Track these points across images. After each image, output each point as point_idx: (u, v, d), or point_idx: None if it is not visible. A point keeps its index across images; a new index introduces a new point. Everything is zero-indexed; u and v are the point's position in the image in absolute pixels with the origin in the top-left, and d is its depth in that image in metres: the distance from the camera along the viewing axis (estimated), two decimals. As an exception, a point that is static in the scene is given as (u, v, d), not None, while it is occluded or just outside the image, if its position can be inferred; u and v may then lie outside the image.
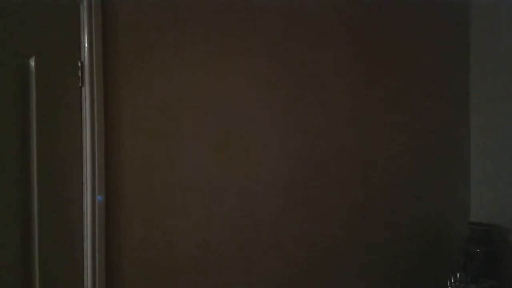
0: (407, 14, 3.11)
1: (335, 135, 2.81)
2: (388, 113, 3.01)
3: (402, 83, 3.08)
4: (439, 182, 3.25)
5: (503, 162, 3.19)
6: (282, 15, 2.64)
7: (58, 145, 2.08)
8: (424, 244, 3.17)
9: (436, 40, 3.23)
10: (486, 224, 3.09)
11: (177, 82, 2.34)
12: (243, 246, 2.53)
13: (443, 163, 3.26)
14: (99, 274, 2.12)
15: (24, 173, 2.01)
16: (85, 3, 2.10)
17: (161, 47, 2.30)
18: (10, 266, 1.99)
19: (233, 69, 2.50)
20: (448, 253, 3.20)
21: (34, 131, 2.02)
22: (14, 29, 1.98)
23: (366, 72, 2.93)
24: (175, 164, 2.34)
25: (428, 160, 3.20)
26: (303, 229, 2.70)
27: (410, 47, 3.12)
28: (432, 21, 3.22)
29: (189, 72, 2.37)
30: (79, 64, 2.11)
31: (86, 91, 2.11)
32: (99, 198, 2.12)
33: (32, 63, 2.02)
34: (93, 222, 2.11)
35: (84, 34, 2.11)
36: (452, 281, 2.84)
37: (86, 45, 2.10)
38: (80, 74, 2.11)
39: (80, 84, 2.11)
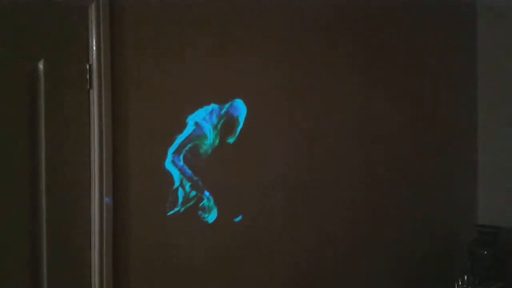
0: (417, 16, 3.12)
1: (340, 136, 2.81)
2: (394, 115, 3.01)
3: (409, 84, 3.09)
4: (446, 184, 3.24)
5: (510, 164, 3.18)
6: (286, 14, 2.65)
7: (66, 147, 2.09)
8: (432, 246, 3.17)
9: (443, 42, 3.23)
10: (493, 226, 3.08)
11: (185, 84, 2.36)
12: (247, 246, 2.54)
13: (450, 165, 3.26)
14: (106, 275, 2.13)
15: (32, 174, 2.02)
16: (93, 7, 2.11)
17: (169, 49, 2.31)
18: (19, 267, 2.00)
19: (241, 69, 2.51)
20: (455, 256, 3.19)
21: (42, 133, 2.03)
22: (23, 33, 1.99)
23: (371, 73, 2.93)
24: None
25: (435, 163, 3.19)
26: (306, 229, 2.71)
27: (418, 49, 3.12)
28: (440, 23, 3.22)
29: (197, 74, 2.38)
30: (87, 67, 2.12)
31: (94, 93, 2.12)
32: (106, 200, 2.13)
33: (41, 66, 2.04)
34: (101, 223, 2.12)
35: (92, 37, 2.12)
36: (460, 283, 2.84)
37: (94, 48, 2.12)
38: (88, 77, 2.12)
39: (88, 87, 2.13)
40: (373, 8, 2.93)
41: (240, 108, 2.50)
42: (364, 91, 2.91)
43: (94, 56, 2.13)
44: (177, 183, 2.33)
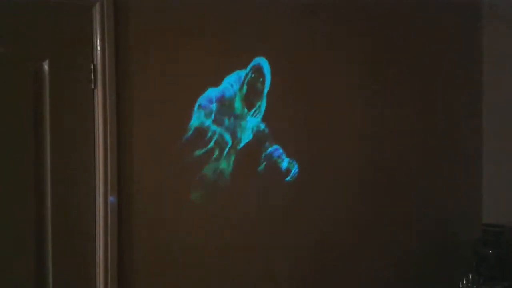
0: (422, 17, 3.12)
1: (343, 135, 2.81)
2: (398, 114, 3.01)
3: (415, 84, 3.08)
4: (451, 183, 3.24)
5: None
6: (289, 13, 2.65)
7: (71, 147, 2.10)
8: (436, 245, 3.16)
9: (448, 42, 3.23)
10: (498, 225, 3.07)
11: (191, 83, 2.36)
12: (250, 244, 2.55)
13: (454, 164, 3.26)
14: (111, 274, 2.14)
15: (37, 174, 2.04)
16: (97, 7, 2.12)
17: (173, 49, 2.32)
18: (24, 267, 2.02)
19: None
20: (460, 255, 3.19)
21: (47, 133, 2.05)
22: (28, 33, 2.01)
23: (376, 73, 2.93)
24: (186, 164, 2.36)
25: (440, 162, 3.19)
26: (307, 229, 2.71)
27: (422, 49, 3.12)
28: (444, 23, 3.22)
29: (201, 73, 2.39)
30: (92, 67, 2.13)
31: (98, 93, 2.13)
32: (111, 199, 2.14)
33: (46, 66, 2.05)
34: (105, 222, 2.13)
35: (96, 37, 2.13)
36: (464, 282, 2.84)
37: (99, 48, 2.13)
38: (92, 77, 2.13)
39: (92, 87, 2.14)
40: (379, 9, 2.92)
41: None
42: (367, 91, 2.90)
43: (99, 56, 2.14)
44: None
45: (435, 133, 3.17)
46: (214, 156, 2.43)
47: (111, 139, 2.14)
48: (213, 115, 2.42)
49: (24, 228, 2.02)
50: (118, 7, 2.17)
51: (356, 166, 2.86)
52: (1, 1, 1.94)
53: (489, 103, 3.33)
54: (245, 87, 2.50)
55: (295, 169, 2.65)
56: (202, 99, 2.39)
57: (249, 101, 2.53)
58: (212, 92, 2.41)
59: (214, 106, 2.42)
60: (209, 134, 2.41)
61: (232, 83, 2.46)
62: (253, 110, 2.53)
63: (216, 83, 2.43)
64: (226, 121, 2.46)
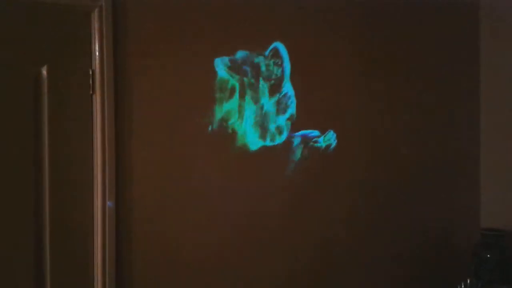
0: (419, 17, 3.12)
1: (341, 137, 2.82)
2: (396, 116, 3.01)
3: (411, 87, 3.09)
4: (449, 187, 3.24)
5: (514, 167, 3.18)
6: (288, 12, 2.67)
7: (69, 152, 2.11)
8: (435, 249, 3.16)
9: (446, 42, 3.23)
10: (497, 229, 3.07)
11: (188, 90, 2.37)
12: (248, 246, 2.56)
13: (453, 168, 3.26)
14: (109, 278, 2.15)
15: (36, 179, 2.05)
16: (96, 12, 2.13)
17: (172, 54, 2.33)
18: (22, 270, 2.03)
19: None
20: (459, 259, 3.18)
21: (46, 138, 2.06)
22: (27, 38, 2.02)
23: (372, 74, 2.93)
24: (184, 169, 2.37)
25: (438, 166, 3.19)
26: (305, 231, 2.72)
27: (419, 50, 3.12)
28: (442, 23, 3.22)
29: (199, 79, 2.40)
30: (90, 72, 2.15)
31: (97, 98, 2.15)
32: (109, 203, 2.15)
33: (44, 71, 2.06)
34: (103, 227, 2.14)
35: (95, 43, 2.14)
36: (463, 286, 2.83)
37: (97, 53, 2.14)
38: (91, 82, 2.14)
39: (91, 92, 2.15)
40: (375, 9, 2.93)
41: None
42: (367, 92, 2.91)
43: (97, 61, 2.15)
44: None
45: (433, 137, 3.18)
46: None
47: (109, 144, 2.15)
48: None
49: (22, 232, 2.03)
50: (117, 13, 2.19)
51: (353, 170, 2.86)
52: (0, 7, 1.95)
53: (487, 107, 3.33)
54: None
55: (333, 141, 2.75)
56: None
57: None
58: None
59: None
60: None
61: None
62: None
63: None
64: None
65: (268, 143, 2.59)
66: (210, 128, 2.43)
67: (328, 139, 2.76)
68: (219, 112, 2.45)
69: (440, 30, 3.21)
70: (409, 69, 3.07)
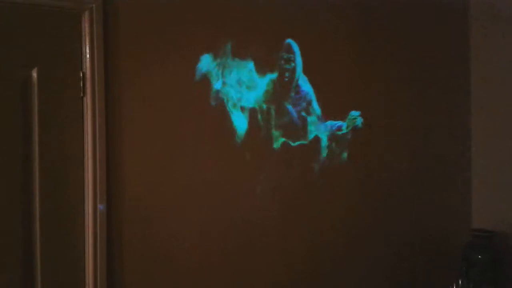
0: (408, 17, 3.13)
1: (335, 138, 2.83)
2: (388, 118, 3.02)
3: (403, 87, 3.09)
4: (440, 188, 3.25)
5: (505, 168, 3.19)
6: (284, 13, 2.67)
7: (60, 154, 2.10)
8: (426, 251, 3.17)
9: (436, 43, 3.24)
10: (488, 230, 3.09)
11: (179, 91, 2.37)
12: (242, 248, 2.55)
13: (444, 169, 3.27)
14: (100, 283, 2.13)
15: (26, 182, 2.03)
16: (86, 14, 2.12)
17: (162, 56, 2.32)
18: (12, 273, 2.01)
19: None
20: (450, 260, 3.20)
21: (36, 140, 2.05)
22: (17, 41, 2.01)
23: (364, 72, 2.94)
24: (176, 171, 2.36)
25: (429, 167, 3.20)
26: (301, 232, 2.72)
27: (411, 48, 3.13)
28: (433, 23, 3.23)
29: (190, 80, 2.39)
30: (81, 75, 2.13)
31: (87, 101, 2.14)
32: (100, 207, 2.14)
33: (35, 74, 2.05)
34: (95, 230, 2.13)
35: (85, 45, 2.13)
36: (454, 287, 2.85)
37: (88, 56, 2.13)
38: (81, 85, 2.13)
39: (81, 94, 2.14)
40: (367, 10, 2.94)
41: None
42: (361, 93, 2.92)
43: (88, 63, 2.14)
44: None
45: (423, 138, 3.19)
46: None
47: (100, 146, 2.14)
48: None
49: (12, 237, 2.01)
50: (107, 15, 2.18)
51: (345, 171, 2.87)
52: (-11, 9, 1.94)
53: (478, 108, 3.35)
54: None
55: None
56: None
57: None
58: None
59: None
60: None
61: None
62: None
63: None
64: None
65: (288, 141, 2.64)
66: (203, 128, 2.42)
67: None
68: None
69: (429, 30, 3.22)
70: (399, 71, 3.08)
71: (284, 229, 2.68)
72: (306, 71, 2.71)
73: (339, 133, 2.82)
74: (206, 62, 2.43)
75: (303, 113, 2.70)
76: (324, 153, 2.77)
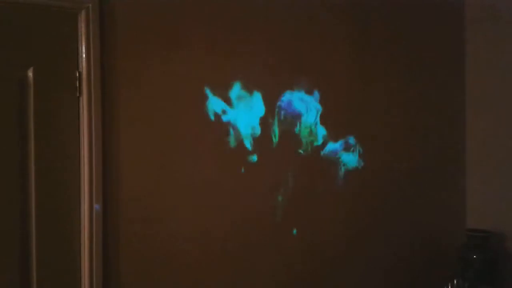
0: (404, 16, 3.13)
1: (330, 138, 2.83)
2: (383, 119, 3.02)
3: (399, 88, 3.10)
4: (435, 189, 3.26)
5: (499, 168, 3.20)
6: (282, 14, 2.67)
7: (56, 154, 2.09)
8: (421, 251, 3.18)
9: (431, 45, 3.24)
10: (483, 230, 3.09)
11: (175, 91, 2.36)
12: (240, 248, 2.55)
13: (439, 170, 3.28)
14: (96, 283, 2.13)
15: (22, 182, 2.03)
16: (82, 14, 2.12)
17: (159, 56, 2.32)
18: (8, 274, 2.01)
19: (235, 73, 2.53)
20: (445, 260, 3.21)
21: (32, 141, 2.04)
22: (12, 40, 2.00)
23: (360, 76, 2.94)
24: (173, 170, 2.36)
25: (424, 167, 3.21)
26: (299, 232, 2.72)
27: (406, 50, 3.13)
28: (428, 24, 3.24)
29: (188, 80, 2.39)
30: (77, 74, 2.13)
31: (84, 100, 2.13)
32: (96, 206, 2.14)
33: (31, 74, 2.04)
34: (90, 230, 2.12)
35: (82, 45, 2.13)
36: (450, 287, 2.86)
37: (84, 55, 2.13)
38: (78, 84, 2.13)
39: (78, 94, 2.13)
40: (362, 9, 2.95)
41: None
42: (358, 95, 2.92)
43: (84, 63, 2.13)
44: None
45: (419, 138, 3.19)
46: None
47: (96, 147, 2.14)
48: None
49: (8, 237, 2.01)
50: (104, 14, 2.17)
51: (341, 171, 2.87)
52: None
53: (472, 107, 3.36)
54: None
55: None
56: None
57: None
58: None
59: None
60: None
61: None
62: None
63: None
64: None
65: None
66: (201, 127, 2.43)
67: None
68: (211, 108, 2.46)
69: (425, 29, 3.23)
70: (397, 71, 3.08)
71: (284, 229, 2.68)
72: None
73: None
74: None
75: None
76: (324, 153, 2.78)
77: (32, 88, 2.04)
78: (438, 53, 3.28)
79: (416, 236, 3.16)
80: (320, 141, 2.78)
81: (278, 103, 2.65)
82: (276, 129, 2.65)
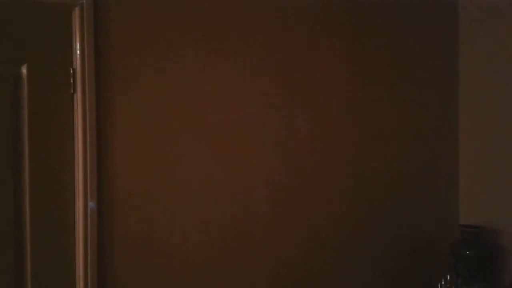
0: (397, 17, 3.13)
1: (326, 137, 2.83)
2: (377, 117, 3.03)
3: (392, 87, 3.10)
4: (428, 185, 3.27)
5: (492, 164, 3.22)
6: (279, 16, 2.66)
7: (50, 152, 2.08)
8: (414, 247, 3.19)
9: (424, 45, 3.25)
10: (476, 226, 3.11)
11: (170, 88, 2.36)
12: (237, 246, 2.55)
13: (432, 166, 3.29)
14: (91, 282, 2.13)
15: (16, 179, 2.02)
16: (76, 10, 2.11)
17: (153, 52, 2.31)
18: (2, 273, 2.00)
19: (229, 73, 2.52)
20: (438, 256, 3.22)
21: (26, 138, 2.03)
22: (6, 37, 1.99)
23: (353, 78, 2.95)
24: (170, 168, 2.36)
25: (417, 163, 3.22)
26: (295, 228, 2.72)
27: (398, 51, 3.14)
28: (421, 24, 3.24)
29: (182, 78, 2.39)
30: (71, 71, 2.12)
31: (78, 97, 2.12)
32: (91, 204, 2.13)
33: (24, 70, 2.03)
34: (85, 228, 2.12)
35: (76, 41, 2.12)
36: (443, 283, 2.87)
37: (78, 52, 2.11)
38: (72, 81, 2.12)
39: (72, 91, 2.12)
40: (357, 11, 2.95)
41: (229, 112, 2.52)
42: (353, 95, 2.92)
43: (78, 60, 2.12)
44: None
45: (411, 135, 3.20)
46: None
47: (90, 144, 2.13)
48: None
49: (2, 234, 2.00)
50: (98, 11, 2.16)
51: (336, 169, 2.87)
52: (-22, 5, 1.92)
53: (465, 104, 3.37)
54: None
55: None
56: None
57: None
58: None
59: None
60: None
61: None
62: None
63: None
64: None
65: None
66: (198, 123, 2.42)
67: None
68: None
69: (417, 30, 3.23)
70: (387, 72, 3.09)
71: (284, 229, 2.68)
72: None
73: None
74: None
75: None
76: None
77: (26, 85, 2.03)
78: (431, 54, 3.29)
79: (409, 232, 3.17)
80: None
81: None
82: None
